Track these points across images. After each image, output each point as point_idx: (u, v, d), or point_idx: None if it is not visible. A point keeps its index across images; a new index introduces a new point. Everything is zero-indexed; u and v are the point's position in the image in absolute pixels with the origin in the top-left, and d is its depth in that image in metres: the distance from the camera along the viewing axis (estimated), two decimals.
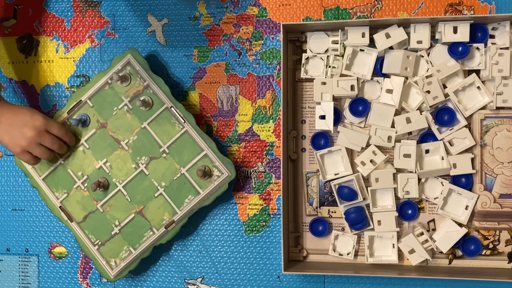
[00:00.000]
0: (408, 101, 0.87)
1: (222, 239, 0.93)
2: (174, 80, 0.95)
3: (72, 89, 0.97)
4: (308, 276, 0.91)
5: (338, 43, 0.88)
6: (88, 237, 0.92)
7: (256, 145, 0.93)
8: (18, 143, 0.86)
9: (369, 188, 0.86)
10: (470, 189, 0.86)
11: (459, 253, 0.88)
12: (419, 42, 0.86)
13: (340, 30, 0.87)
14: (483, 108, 0.86)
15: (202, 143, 0.89)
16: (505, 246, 0.87)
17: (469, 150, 0.86)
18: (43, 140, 0.87)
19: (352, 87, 0.87)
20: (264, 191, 0.93)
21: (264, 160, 0.93)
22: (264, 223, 0.92)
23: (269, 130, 0.93)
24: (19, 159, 0.91)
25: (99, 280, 0.97)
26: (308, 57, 0.89)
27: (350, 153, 0.89)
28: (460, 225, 0.87)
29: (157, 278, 0.95)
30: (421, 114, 0.86)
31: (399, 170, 0.87)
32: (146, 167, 0.90)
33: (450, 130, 0.86)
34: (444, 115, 0.86)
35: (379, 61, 0.87)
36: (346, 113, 0.89)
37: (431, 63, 0.86)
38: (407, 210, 0.88)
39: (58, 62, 0.98)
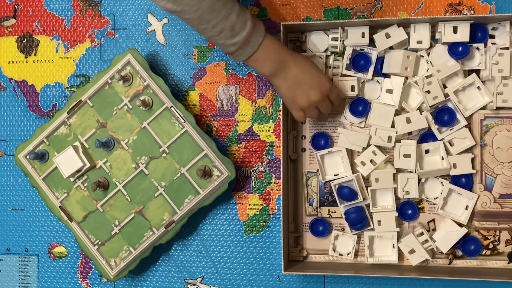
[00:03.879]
0: (408, 101, 0.87)
1: (222, 239, 0.93)
2: (174, 80, 0.95)
3: (72, 89, 0.97)
4: (308, 276, 0.91)
5: (337, 40, 0.87)
6: (88, 237, 0.92)
7: (256, 145, 0.93)
8: (299, 102, 0.82)
9: (369, 188, 0.86)
10: (470, 189, 0.86)
11: (459, 253, 0.88)
12: (419, 42, 0.86)
13: (340, 28, 0.87)
14: (483, 108, 0.86)
15: (202, 143, 0.89)
16: (505, 246, 0.87)
17: (469, 150, 0.86)
18: (322, 105, 0.83)
19: (352, 88, 0.87)
20: (264, 191, 0.93)
21: (264, 160, 0.93)
22: (264, 223, 0.92)
23: (269, 130, 0.93)
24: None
25: (99, 280, 0.97)
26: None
27: (350, 153, 0.89)
28: (460, 225, 0.87)
29: (157, 278, 0.95)
30: (421, 114, 0.86)
31: (399, 170, 0.87)
32: (146, 167, 0.90)
33: (450, 130, 0.86)
34: (444, 115, 0.86)
35: (379, 61, 0.87)
36: (346, 113, 0.89)
37: (431, 63, 0.86)
38: (407, 210, 0.88)
39: (58, 62, 0.98)
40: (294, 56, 0.81)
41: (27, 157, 0.93)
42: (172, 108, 0.89)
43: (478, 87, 0.85)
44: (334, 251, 0.89)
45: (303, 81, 0.80)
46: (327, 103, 0.83)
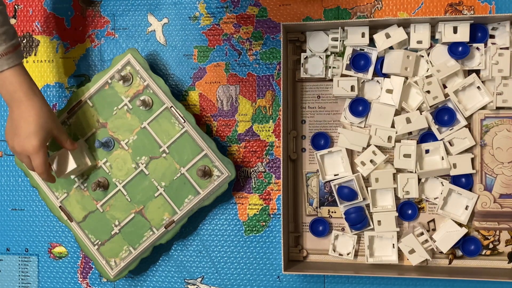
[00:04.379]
0: (408, 101, 0.87)
1: (222, 239, 0.93)
2: (174, 80, 0.95)
3: (72, 89, 0.97)
4: (308, 276, 0.91)
5: (337, 40, 0.87)
6: (88, 237, 0.92)
7: (256, 145, 0.93)
8: (8, 141, 0.83)
9: (369, 188, 0.87)
10: (470, 189, 0.86)
11: (459, 253, 0.88)
12: (419, 42, 0.86)
13: (340, 28, 0.87)
14: (483, 108, 0.86)
15: (202, 143, 0.89)
16: (505, 246, 0.87)
17: (469, 150, 0.86)
18: (22, 160, 0.84)
19: (352, 88, 0.87)
20: (264, 191, 0.93)
21: (264, 160, 0.93)
22: (264, 223, 0.92)
23: (269, 130, 0.93)
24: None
25: (99, 280, 0.97)
26: (307, 56, 0.89)
27: (350, 153, 0.89)
28: (460, 225, 0.87)
29: (157, 278, 0.95)
30: (421, 114, 0.86)
31: (399, 170, 0.87)
32: (146, 167, 0.90)
33: (450, 130, 0.86)
34: (444, 115, 0.86)
35: (379, 61, 0.87)
36: (346, 113, 0.89)
37: (431, 63, 0.86)
38: (407, 210, 0.88)
39: (58, 62, 0.98)
40: (27, 101, 0.81)
41: None
42: (172, 108, 0.89)
43: (478, 87, 0.85)
44: (334, 251, 0.89)
45: (16, 127, 0.81)
46: (28, 163, 0.83)
